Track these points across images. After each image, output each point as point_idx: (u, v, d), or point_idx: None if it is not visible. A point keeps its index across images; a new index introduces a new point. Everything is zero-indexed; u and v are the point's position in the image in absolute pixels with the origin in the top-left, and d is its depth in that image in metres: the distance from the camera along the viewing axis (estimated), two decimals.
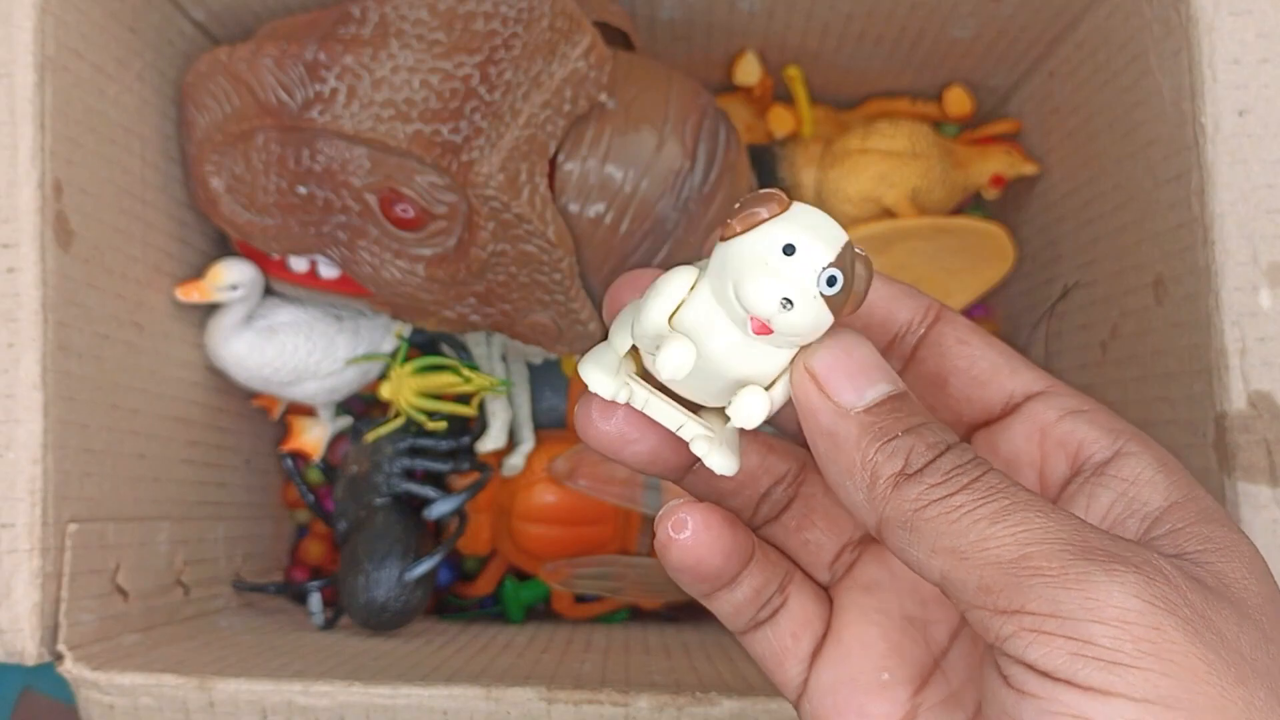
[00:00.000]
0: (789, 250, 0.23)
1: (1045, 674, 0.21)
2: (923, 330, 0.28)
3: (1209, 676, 0.21)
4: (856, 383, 0.25)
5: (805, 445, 0.26)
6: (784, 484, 0.30)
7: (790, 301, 0.23)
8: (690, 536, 0.27)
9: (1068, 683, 0.21)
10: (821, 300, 0.24)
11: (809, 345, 0.25)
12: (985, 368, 0.28)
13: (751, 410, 0.25)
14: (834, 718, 0.27)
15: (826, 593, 0.29)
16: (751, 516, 0.30)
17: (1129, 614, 0.21)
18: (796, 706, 0.29)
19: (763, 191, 0.24)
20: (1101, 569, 0.21)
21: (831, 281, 0.24)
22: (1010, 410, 0.27)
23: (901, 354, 0.29)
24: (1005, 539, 0.22)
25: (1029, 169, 0.58)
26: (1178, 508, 0.25)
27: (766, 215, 0.24)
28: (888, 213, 0.56)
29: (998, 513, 0.22)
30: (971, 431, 0.28)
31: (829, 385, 0.25)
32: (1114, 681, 0.20)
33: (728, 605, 0.28)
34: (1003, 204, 0.63)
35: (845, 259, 0.24)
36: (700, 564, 0.27)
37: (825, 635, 0.29)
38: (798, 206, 0.24)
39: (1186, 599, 0.21)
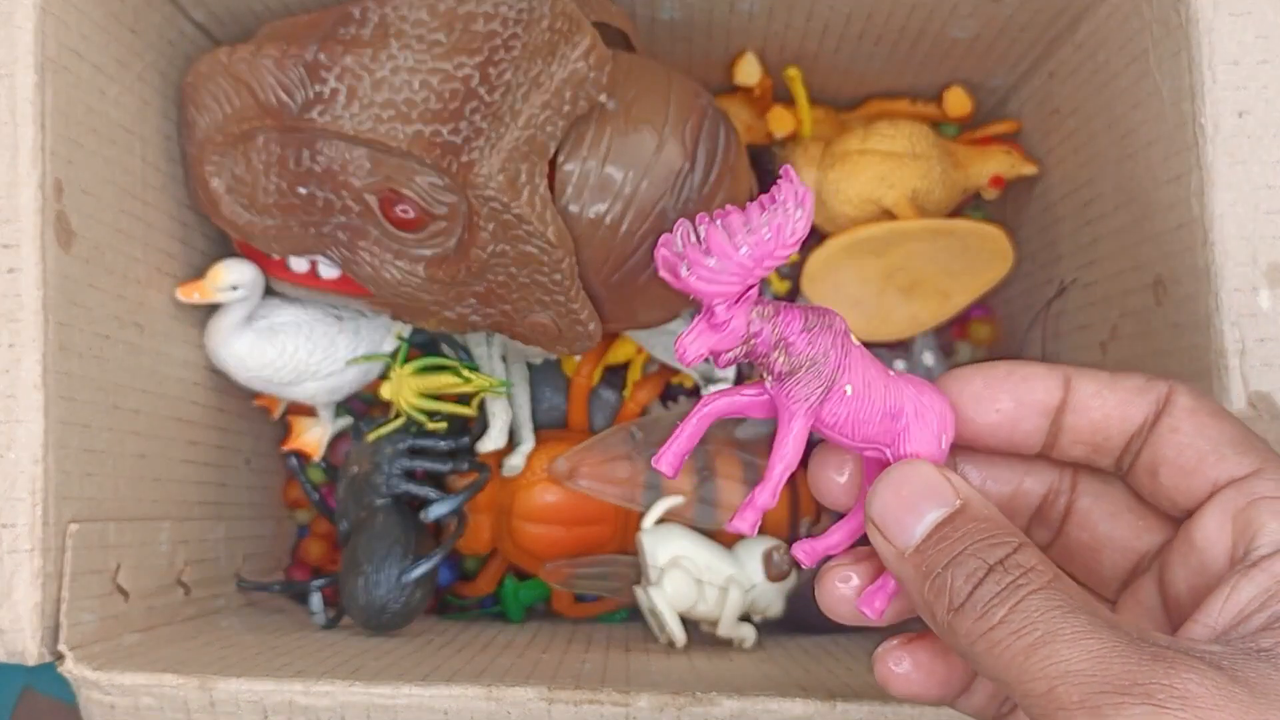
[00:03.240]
0: None
1: None
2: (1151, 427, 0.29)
3: None
4: (906, 522, 0.27)
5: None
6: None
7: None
8: (906, 672, 0.29)
9: None
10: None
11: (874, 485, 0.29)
12: (1191, 456, 0.28)
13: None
14: None
15: None
16: None
17: None
18: None
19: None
20: (1113, 703, 0.22)
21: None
22: (1210, 497, 0.28)
23: (1133, 451, 0.29)
24: (1036, 674, 0.24)
25: (1028, 169, 0.58)
26: None
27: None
28: (887, 214, 0.56)
29: (1032, 646, 0.24)
30: (1183, 517, 0.29)
31: (886, 530, 0.27)
32: None
33: (968, 707, 0.31)
34: (1002, 204, 0.63)
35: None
36: (921, 695, 0.30)
37: None
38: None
39: (1210, 716, 0.22)
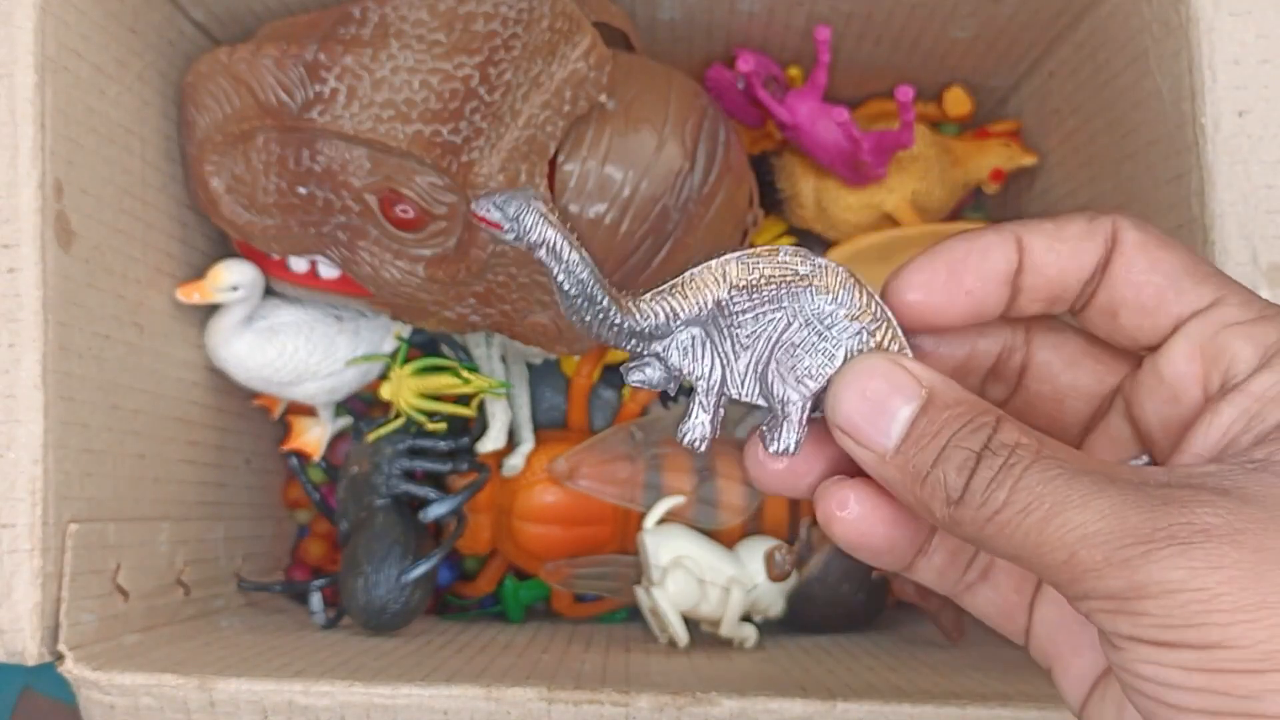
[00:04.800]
0: None
1: (1120, 635, 0.23)
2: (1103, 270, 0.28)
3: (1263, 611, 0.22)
4: (878, 425, 0.26)
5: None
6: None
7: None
8: (853, 514, 0.27)
9: (1138, 640, 0.23)
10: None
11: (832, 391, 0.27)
12: (1150, 295, 0.28)
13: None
14: (1064, 655, 0.29)
15: None
16: None
17: (1171, 585, 0.22)
18: (1026, 648, 0.30)
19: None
20: (1141, 553, 0.22)
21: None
22: (1174, 330, 0.28)
23: (1086, 295, 0.29)
24: (1054, 544, 0.23)
25: (1028, 160, 0.58)
26: None
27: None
28: (888, 218, 0.56)
29: (1043, 520, 0.23)
30: (1145, 353, 0.29)
31: (859, 436, 0.26)
32: (1174, 635, 0.22)
33: (928, 573, 0.29)
34: (1003, 204, 0.63)
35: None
36: (871, 545, 0.28)
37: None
38: None
39: (1236, 542, 0.22)
